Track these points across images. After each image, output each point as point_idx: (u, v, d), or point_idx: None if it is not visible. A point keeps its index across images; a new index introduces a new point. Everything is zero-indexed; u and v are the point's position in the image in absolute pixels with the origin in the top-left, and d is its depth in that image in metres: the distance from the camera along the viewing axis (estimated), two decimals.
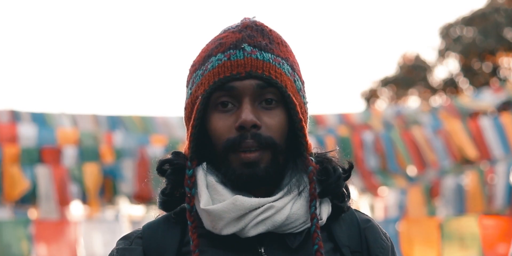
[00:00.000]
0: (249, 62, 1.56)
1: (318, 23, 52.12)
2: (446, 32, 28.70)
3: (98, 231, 10.58)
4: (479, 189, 12.17)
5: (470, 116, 15.77)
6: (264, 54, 1.58)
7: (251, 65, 1.56)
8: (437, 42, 29.82)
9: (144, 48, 51.34)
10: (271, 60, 1.58)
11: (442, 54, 29.08)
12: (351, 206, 1.69)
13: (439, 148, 13.44)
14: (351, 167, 1.66)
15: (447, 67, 29.70)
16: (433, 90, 29.82)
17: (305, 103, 1.64)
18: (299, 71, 1.65)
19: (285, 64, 1.60)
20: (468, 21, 27.97)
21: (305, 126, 1.59)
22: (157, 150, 12.64)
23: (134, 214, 14.89)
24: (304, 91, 1.65)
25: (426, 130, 13.78)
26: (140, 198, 12.73)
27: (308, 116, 1.65)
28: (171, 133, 14.27)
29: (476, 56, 28.43)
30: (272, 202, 1.54)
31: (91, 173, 11.76)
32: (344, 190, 1.64)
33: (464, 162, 14.27)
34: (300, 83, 1.64)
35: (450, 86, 29.48)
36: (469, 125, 13.73)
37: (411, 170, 14.27)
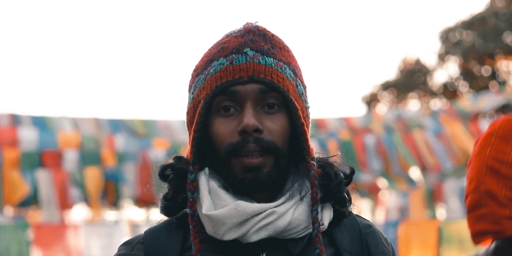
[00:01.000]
0: (251, 67, 1.57)
1: (319, 28, 52.17)
2: (446, 36, 28.73)
3: (98, 235, 10.57)
4: None
5: (470, 119, 15.77)
6: (266, 58, 1.58)
7: (253, 70, 1.56)
8: (437, 46, 29.88)
9: (146, 51, 51.37)
10: (273, 65, 1.58)
11: (442, 58, 29.12)
12: (352, 211, 1.69)
13: (441, 151, 13.45)
14: (352, 172, 1.66)
15: (447, 71, 29.74)
16: (433, 94, 29.84)
17: (307, 108, 1.64)
18: (301, 75, 1.65)
19: (287, 69, 1.60)
20: (467, 25, 28.00)
21: (307, 131, 1.59)
22: (159, 153, 12.63)
23: (135, 218, 14.88)
24: (306, 95, 1.65)
25: (427, 133, 13.79)
26: (143, 201, 12.73)
27: (310, 120, 1.65)
28: (173, 136, 14.26)
29: (476, 60, 28.45)
30: (274, 207, 1.54)
31: (93, 177, 11.75)
32: (346, 195, 1.64)
33: (466, 165, 14.25)
34: (302, 87, 1.64)
35: (450, 89, 29.50)
36: (470, 128, 13.75)
37: (413, 173, 14.28)
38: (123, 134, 13.99)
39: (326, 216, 1.61)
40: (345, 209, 1.64)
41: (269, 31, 1.65)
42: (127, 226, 11.67)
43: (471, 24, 27.86)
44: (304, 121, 1.58)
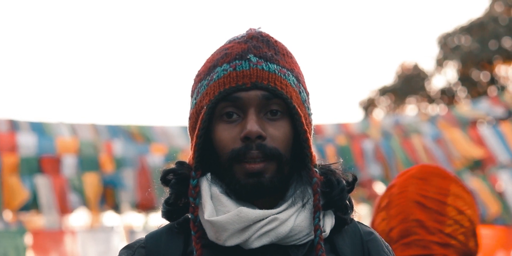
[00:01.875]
0: (254, 73, 1.56)
1: (316, 32, 52.23)
2: (444, 41, 28.77)
3: (95, 241, 10.55)
4: (489, 197, 12.18)
5: (469, 125, 15.80)
6: (270, 65, 1.58)
7: (257, 76, 1.56)
8: (435, 51, 29.90)
9: (144, 57, 51.41)
10: (277, 71, 1.58)
11: (440, 63, 29.14)
12: (354, 218, 1.69)
13: (440, 157, 13.46)
14: (354, 179, 1.66)
15: (445, 76, 29.77)
16: (431, 99, 29.88)
17: (309, 115, 1.64)
18: (304, 82, 1.65)
19: (291, 75, 1.60)
20: (466, 30, 28.04)
21: (309, 138, 1.59)
22: (156, 159, 12.64)
23: (132, 224, 14.87)
24: (308, 102, 1.65)
25: (425, 139, 13.80)
26: (141, 206, 12.72)
27: (312, 127, 1.65)
28: (170, 142, 14.27)
29: (474, 65, 28.48)
30: (276, 214, 1.54)
31: (91, 182, 11.75)
32: (347, 202, 1.64)
33: (466, 169, 14.26)
34: (305, 94, 1.64)
35: (448, 95, 29.54)
36: (469, 133, 13.77)
37: None
38: (121, 140, 13.99)
39: (328, 223, 1.61)
40: (347, 216, 1.64)
41: (272, 37, 1.65)
42: (124, 232, 11.65)
43: (469, 29, 27.90)
44: (307, 128, 1.58)
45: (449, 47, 28.58)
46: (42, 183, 11.46)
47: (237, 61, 1.58)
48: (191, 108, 1.65)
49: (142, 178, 12.06)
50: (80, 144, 13.09)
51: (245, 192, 1.54)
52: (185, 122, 1.68)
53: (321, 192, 1.58)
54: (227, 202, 1.55)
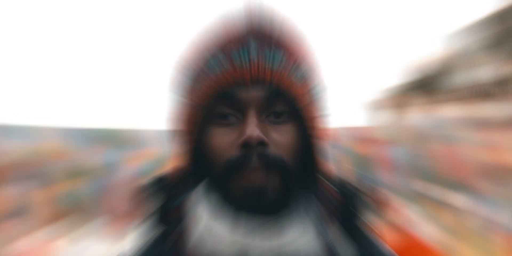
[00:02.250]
0: (255, 68, 1.24)
1: (315, 35, 52.17)
2: (451, 41, 28.67)
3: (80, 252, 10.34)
4: None
5: (479, 127, 15.64)
6: (274, 55, 1.25)
7: (258, 72, 1.23)
8: (441, 51, 29.79)
9: (142, 60, 51.38)
10: (282, 64, 1.25)
11: (448, 63, 29.05)
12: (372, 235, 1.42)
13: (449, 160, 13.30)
14: (370, 190, 1.37)
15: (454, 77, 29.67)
16: (439, 100, 29.80)
17: (322, 115, 1.32)
18: (319, 72, 1.31)
19: (299, 67, 1.27)
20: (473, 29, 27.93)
21: (321, 144, 1.29)
22: (146, 164, 12.48)
23: (119, 235, 14.68)
24: (324, 98, 1.32)
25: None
26: (125, 217, 12.54)
27: (327, 130, 1.34)
28: (159, 147, 14.13)
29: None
30: (284, 246, 1.28)
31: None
32: (362, 217, 1.37)
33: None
34: (319, 88, 1.30)
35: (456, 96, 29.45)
36: (479, 135, 13.60)
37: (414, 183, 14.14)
38: (111, 145, 13.85)
39: (338, 237, 1.33)
40: (361, 232, 1.36)
41: (278, 13, 1.28)
42: (107, 244, 11.45)
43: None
44: (316, 133, 1.28)
45: (456, 47, 28.48)
46: None
47: (233, 52, 1.24)
48: (177, 106, 1.31)
49: (129, 186, 11.90)
50: (69, 149, 12.92)
51: (244, 210, 1.26)
52: (171, 126, 1.34)
53: (335, 207, 1.32)
54: (219, 230, 1.28)
